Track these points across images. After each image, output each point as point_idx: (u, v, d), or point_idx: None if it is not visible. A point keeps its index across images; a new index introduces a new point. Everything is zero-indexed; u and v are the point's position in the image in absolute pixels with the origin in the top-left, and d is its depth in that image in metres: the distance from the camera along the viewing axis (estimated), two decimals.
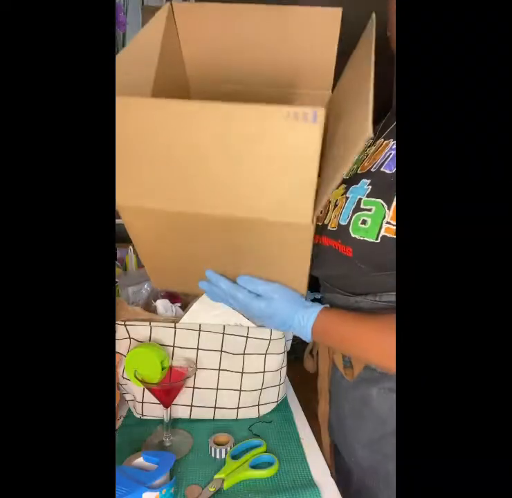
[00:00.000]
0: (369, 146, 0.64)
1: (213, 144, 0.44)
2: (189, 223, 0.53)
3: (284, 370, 0.80)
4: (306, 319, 0.58)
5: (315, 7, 0.60)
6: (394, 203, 0.51)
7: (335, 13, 0.61)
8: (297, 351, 0.88)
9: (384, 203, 0.52)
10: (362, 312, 0.57)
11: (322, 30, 0.61)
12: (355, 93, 0.49)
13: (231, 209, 0.49)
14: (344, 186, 0.62)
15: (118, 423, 0.77)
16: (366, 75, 0.45)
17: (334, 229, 0.59)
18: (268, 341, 0.75)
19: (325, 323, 0.57)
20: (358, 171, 0.61)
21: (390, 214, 0.51)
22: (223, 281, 0.61)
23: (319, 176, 0.45)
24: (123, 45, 1.70)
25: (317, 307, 0.58)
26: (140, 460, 0.61)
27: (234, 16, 0.63)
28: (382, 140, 0.60)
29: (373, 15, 0.56)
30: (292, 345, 0.87)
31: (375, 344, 0.52)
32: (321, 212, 0.66)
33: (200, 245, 0.58)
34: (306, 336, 0.58)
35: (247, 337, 0.75)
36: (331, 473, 0.66)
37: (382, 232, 0.52)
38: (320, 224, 0.64)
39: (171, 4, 0.64)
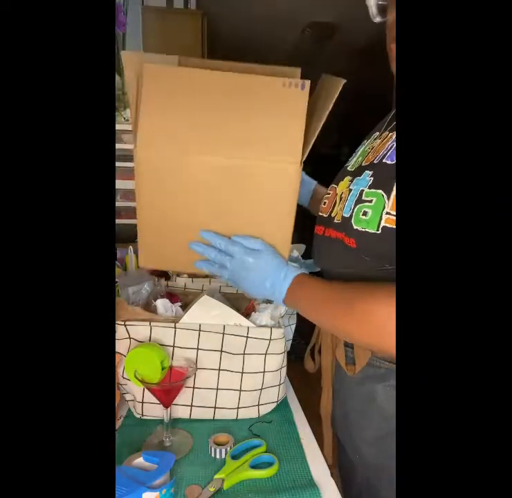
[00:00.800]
0: (375, 140, 0.64)
1: (221, 100, 0.57)
2: (190, 171, 0.60)
3: (284, 370, 0.80)
4: (289, 276, 0.61)
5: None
6: (394, 193, 0.51)
7: (297, 76, 0.66)
8: (297, 351, 0.88)
9: (384, 194, 0.52)
10: (342, 281, 0.57)
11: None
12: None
13: (227, 157, 0.59)
14: (349, 178, 0.62)
15: (118, 423, 0.77)
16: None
17: (339, 221, 0.59)
18: (268, 341, 0.75)
19: (303, 284, 0.60)
20: (363, 164, 0.61)
21: (390, 204, 0.52)
22: (219, 237, 0.64)
23: (306, 133, 0.58)
24: (123, 46, 1.70)
25: (303, 269, 0.62)
26: (140, 460, 0.60)
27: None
28: (388, 132, 0.61)
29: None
30: (292, 345, 0.87)
31: (344, 312, 0.53)
32: (325, 204, 0.67)
33: (196, 202, 0.63)
34: (282, 292, 0.61)
35: (247, 337, 0.75)
36: (332, 472, 0.66)
37: (383, 223, 0.52)
38: (325, 216, 0.64)
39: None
